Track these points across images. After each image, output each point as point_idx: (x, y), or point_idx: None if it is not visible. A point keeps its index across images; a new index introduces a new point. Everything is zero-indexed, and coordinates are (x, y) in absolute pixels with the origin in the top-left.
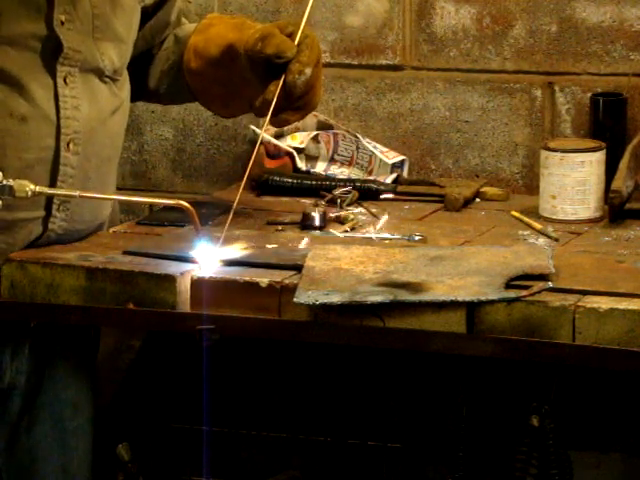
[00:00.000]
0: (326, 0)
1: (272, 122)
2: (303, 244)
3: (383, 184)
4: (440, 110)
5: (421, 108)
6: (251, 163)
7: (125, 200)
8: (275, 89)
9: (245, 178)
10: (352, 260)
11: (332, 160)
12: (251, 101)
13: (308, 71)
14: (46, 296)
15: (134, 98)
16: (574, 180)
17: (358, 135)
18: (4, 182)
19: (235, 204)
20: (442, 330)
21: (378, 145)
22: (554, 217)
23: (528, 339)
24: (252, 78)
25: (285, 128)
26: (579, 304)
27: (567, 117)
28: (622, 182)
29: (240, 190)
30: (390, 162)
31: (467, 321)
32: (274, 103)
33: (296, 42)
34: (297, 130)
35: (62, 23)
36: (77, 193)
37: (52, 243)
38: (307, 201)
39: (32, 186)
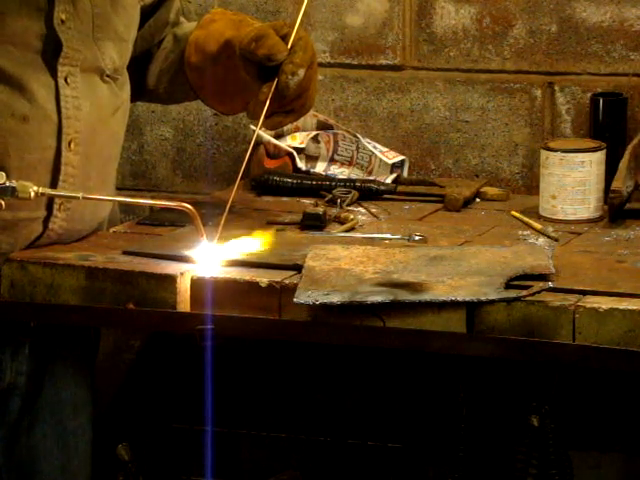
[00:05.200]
0: (326, 0)
1: (265, 124)
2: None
3: (383, 184)
4: (440, 110)
5: (421, 108)
6: (245, 163)
7: (128, 202)
8: (268, 91)
9: (239, 178)
10: (352, 260)
11: (332, 160)
12: (246, 100)
13: (301, 72)
14: (46, 296)
15: (134, 98)
16: (574, 180)
17: (358, 135)
18: (7, 183)
19: (229, 204)
20: (442, 330)
21: (378, 145)
22: (554, 217)
23: (528, 339)
24: (246, 77)
25: (285, 128)
26: (579, 304)
27: (567, 117)
28: (622, 182)
29: (234, 190)
30: (390, 162)
31: (467, 321)
32: (267, 105)
33: (289, 44)
34: (297, 130)
35: (62, 22)
36: (80, 195)
37: (52, 243)
38: (307, 201)
39: (35, 187)
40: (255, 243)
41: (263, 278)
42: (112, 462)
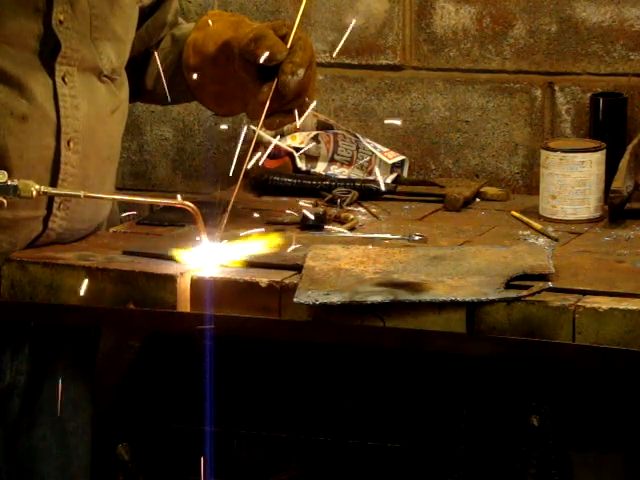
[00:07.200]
0: (326, 0)
1: (265, 124)
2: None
3: (383, 184)
4: (440, 110)
5: (421, 108)
6: (245, 163)
7: (129, 200)
8: (268, 91)
9: (240, 178)
10: (352, 260)
11: (332, 160)
12: (245, 101)
13: (300, 72)
14: (46, 296)
15: (132, 99)
16: (574, 180)
17: (358, 135)
18: (8, 182)
19: (230, 204)
20: (442, 330)
21: (378, 145)
22: (554, 217)
23: (528, 339)
24: (246, 78)
25: (285, 128)
26: (579, 304)
27: (567, 117)
28: (622, 182)
29: (236, 190)
30: (390, 162)
31: (467, 321)
32: (267, 105)
33: (289, 44)
34: (297, 130)
35: (60, 22)
36: (82, 193)
37: (52, 242)
38: (307, 201)
39: (37, 186)
40: (257, 244)
41: (263, 278)
42: (112, 462)
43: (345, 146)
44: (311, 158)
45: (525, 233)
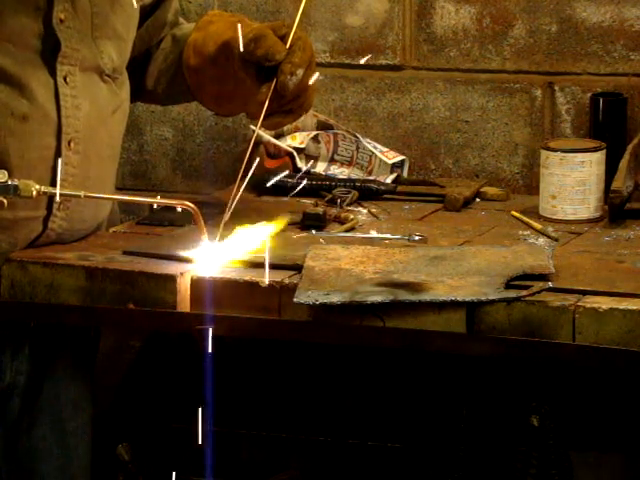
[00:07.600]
0: (326, 0)
1: (265, 125)
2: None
3: (383, 184)
4: (440, 110)
5: (421, 108)
6: (245, 163)
7: (129, 200)
8: (267, 91)
9: (239, 178)
10: (352, 260)
11: (332, 160)
12: (245, 101)
13: (300, 72)
14: (46, 296)
15: (133, 99)
16: (574, 180)
17: (358, 135)
18: (9, 182)
19: (230, 204)
20: (442, 330)
21: (378, 145)
22: (554, 217)
23: (528, 339)
24: (245, 78)
25: (285, 128)
26: (579, 304)
27: (567, 117)
28: (622, 182)
29: (235, 190)
30: (390, 162)
31: (467, 321)
32: (266, 105)
33: (288, 44)
34: (297, 130)
35: (61, 21)
36: (82, 193)
37: (52, 242)
38: (307, 201)
39: (37, 186)
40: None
41: (263, 278)
42: (112, 462)
43: (345, 146)
44: (311, 158)
45: (525, 233)
